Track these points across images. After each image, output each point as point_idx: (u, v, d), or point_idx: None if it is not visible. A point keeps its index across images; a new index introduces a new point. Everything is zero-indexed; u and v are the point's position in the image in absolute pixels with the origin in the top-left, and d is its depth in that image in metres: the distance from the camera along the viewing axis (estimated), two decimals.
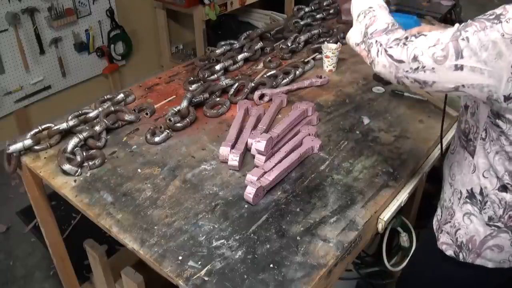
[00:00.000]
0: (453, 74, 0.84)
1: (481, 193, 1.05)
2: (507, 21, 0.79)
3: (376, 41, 0.94)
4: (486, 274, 1.11)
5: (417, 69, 0.86)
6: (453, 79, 0.85)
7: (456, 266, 1.14)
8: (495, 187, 1.01)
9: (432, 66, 0.85)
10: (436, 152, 1.46)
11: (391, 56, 0.90)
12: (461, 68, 0.83)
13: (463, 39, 0.82)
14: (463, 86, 0.85)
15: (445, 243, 1.15)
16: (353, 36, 1.03)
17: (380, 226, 1.25)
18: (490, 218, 1.04)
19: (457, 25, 0.86)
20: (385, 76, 0.94)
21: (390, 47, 0.90)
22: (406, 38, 0.89)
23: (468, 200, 1.08)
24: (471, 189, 1.06)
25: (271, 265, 1.03)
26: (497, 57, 0.80)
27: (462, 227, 1.10)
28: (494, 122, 0.94)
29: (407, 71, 0.88)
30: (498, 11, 0.82)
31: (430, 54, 0.85)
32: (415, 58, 0.86)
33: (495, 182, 1.01)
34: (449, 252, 1.14)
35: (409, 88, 0.90)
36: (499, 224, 1.04)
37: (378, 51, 0.92)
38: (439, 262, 1.19)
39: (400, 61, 0.88)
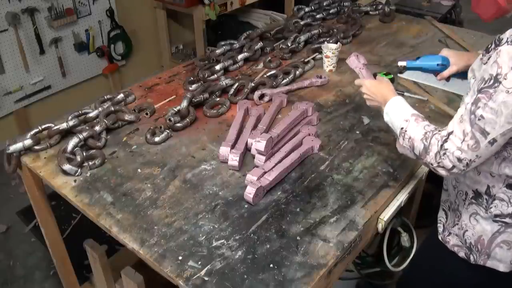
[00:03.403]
0: (494, 146, 0.94)
1: (487, 192, 1.05)
2: (505, 78, 0.87)
3: (426, 163, 1.02)
4: (498, 278, 1.12)
5: (467, 164, 0.96)
6: (495, 149, 0.95)
7: (467, 269, 1.15)
8: (503, 185, 1.03)
9: (475, 154, 0.94)
10: None
11: (444, 168, 0.98)
12: (494, 140, 0.92)
13: (479, 119, 0.91)
14: (504, 146, 0.96)
15: (456, 245, 1.16)
16: (408, 154, 1.09)
17: (380, 226, 1.25)
18: (496, 216, 1.05)
19: (468, 106, 0.93)
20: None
21: (438, 163, 0.98)
22: (441, 146, 0.97)
23: (474, 201, 1.08)
24: (476, 189, 1.07)
25: (271, 265, 1.03)
26: None
27: (469, 228, 1.11)
28: None
29: (462, 170, 0.97)
30: (493, 71, 0.89)
31: (466, 149, 0.94)
32: (459, 159, 0.95)
33: (502, 180, 1.02)
34: (461, 254, 1.15)
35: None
36: (506, 219, 1.04)
37: (434, 169, 1.01)
38: (450, 264, 1.19)
39: (453, 168, 0.97)
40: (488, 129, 0.91)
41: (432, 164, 1.00)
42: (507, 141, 0.95)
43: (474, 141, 0.93)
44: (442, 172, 0.99)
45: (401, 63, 1.39)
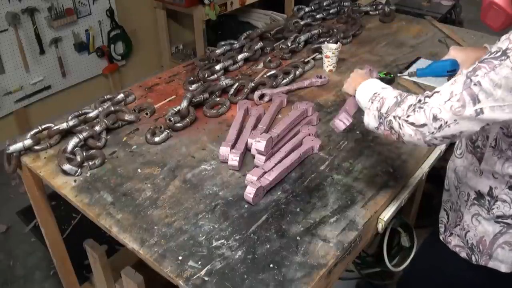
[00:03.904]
0: (476, 119, 0.85)
1: (489, 193, 1.05)
2: None
3: (394, 116, 0.95)
4: (499, 279, 1.12)
5: (440, 127, 0.87)
6: (477, 123, 0.86)
7: (468, 270, 1.15)
8: (506, 186, 1.02)
9: (454, 118, 0.86)
10: (436, 152, 1.46)
11: (412, 124, 0.91)
12: (481, 111, 0.84)
13: (475, 84, 0.84)
14: (487, 125, 0.86)
15: (458, 246, 1.16)
16: (370, 123, 1.03)
17: (380, 226, 1.25)
18: (498, 217, 1.05)
19: (464, 72, 0.87)
20: (415, 144, 0.95)
21: (408, 115, 0.91)
22: (420, 101, 0.90)
23: (476, 202, 1.08)
24: (479, 190, 1.07)
25: (271, 265, 1.03)
26: None
27: (471, 229, 1.10)
28: (507, 132, 0.95)
29: (432, 132, 0.89)
30: (503, 45, 0.83)
31: (448, 109, 0.86)
32: (435, 118, 0.87)
33: (505, 182, 1.02)
34: (463, 255, 1.15)
35: (441, 145, 0.92)
36: (508, 220, 1.04)
37: (399, 124, 0.93)
38: (451, 265, 1.19)
39: (423, 125, 0.89)
40: (481, 97, 0.83)
41: (398, 118, 0.93)
42: (510, 141, 0.95)
43: (460, 105, 0.85)
44: (406, 129, 0.92)
45: (411, 70, 1.38)
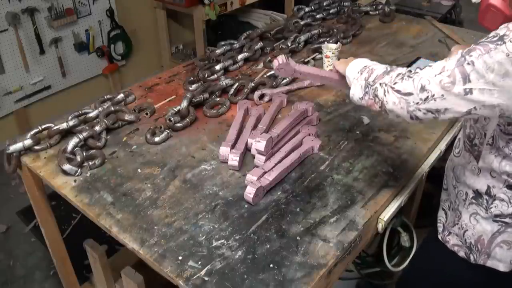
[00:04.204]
0: (464, 99, 0.84)
1: (487, 192, 1.05)
2: (510, 41, 0.80)
3: (380, 83, 0.94)
4: (498, 278, 1.12)
5: (426, 99, 0.86)
6: (464, 104, 0.85)
7: (467, 269, 1.15)
8: (504, 185, 1.02)
9: (441, 93, 0.85)
10: (436, 152, 1.46)
11: (398, 91, 0.89)
12: (470, 91, 0.83)
13: (468, 63, 0.83)
14: (475, 108, 0.85)
15: (456, 245, 1.16)
16: (356, 93, 1.03)
17: (380, 226, 1.25)
18: (496, 215, 1.05)
19: (460, 51, 0.86)
20: (398, 115, 0.93)
21: (395, 83, 0.90)
22: (410, 71, 0.90)
23: (474, 201, 1.08)
24: (477, 190, 1.07)
25: (271, 265, 1.03)
26: (505, 77, 0.81)
27: (469, 228, 1.10)
28: (504, 129, 0.95)
29: (417, 102, 0.88)
30: (501, 32, 0.83)
31: (437, 82, 0.85)
32: (423, 88, 0.86)
33: (503, 180, 1.01)
34: (461, 254, 1.15)
35: (424, 120, 0.92)
36: (506, 219, 1.04)
37: (384, 91, 0.92)
38: (450, 264, 1.19)
39: (409, 94, 0.88)
40: (472, 77, 0.82)
41: (385, 84, 0.91)
42: (510, 136, 0.94)
43: (450, 81, 0.84)
44: (390, 96, 0.90)
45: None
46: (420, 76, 0.88)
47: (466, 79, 0.83)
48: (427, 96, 0.86)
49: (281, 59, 1.22)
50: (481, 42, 0.84)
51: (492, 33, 0.84)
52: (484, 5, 1.02)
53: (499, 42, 0.81)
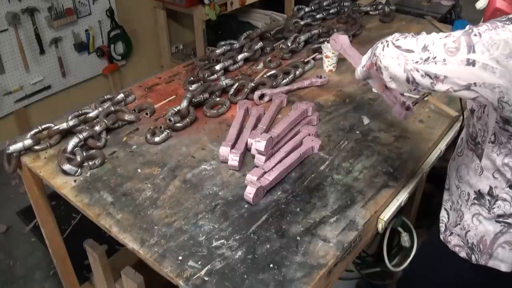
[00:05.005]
0: (465, 70, 0.81)
1: (489, 193, 1.05)
2: None
3: (382, 42, 0.91)
4: (499, 278, 1.12)
5: (427, 59, 0.83)
6: (465, 76, 0.82)
7: (468, 269, 1.15)
8: (506, 185, 1.02)
9: (444, 57, 0.82)
10: (436, 152, 1.46)
11: (399, 47, 0.86)
12: (473, 63, 0.81)
13: (475, 34, 0.81)
14: (474, 84, 0.83)
15: (457, 245, 1.15)
16: (362, 63, 1.00)
17: (380, 226, 1.25)
18: (499, 216, 1.05)
19: (468, 25, 0.86)
20: (394, 71, 0.88)
21: (397, 39, 0.88)
22: (416, 34, 0.88)
23: (476, 201, 1.08)
24: (479, 190, 1.07)
25: (271, 265, 1.03)
26: (509, 57, 0.80)
27: (471, 229, 1.10)
28: (503, 127, 0.95)
29: (417, 61, 0.84)
30: (511, 15, 0.83)
31: (441, 45, 0.82)
32: (425, 48, 0.83)
33: (505, 180, 1.01)
34: (462, 254, 1.15)
35: (420, 86, 0.88)
36: (509, 220, 1.04)
37: (384, 46, 0.89)
38: (451, 265, 1.19)
39: (409, 51, 0.85)
40: (477, 49, 0.80)
41: (386, 41, 0.88)
42: (510, 133, 0.94)
43: (454, 47, 0.81)
44: (389, 51, 0.87)
45: None
46: (424, 36, 0.85)
47: (471, 48, 0.81)
48: (428, 57, 0.83)
49: (338, 34, 1.42)
50: (490, 20, 0.84)
51: (503, 16, 0.84)
52: (491, 9, 1.03)
53: (507, 22, 0.81)
